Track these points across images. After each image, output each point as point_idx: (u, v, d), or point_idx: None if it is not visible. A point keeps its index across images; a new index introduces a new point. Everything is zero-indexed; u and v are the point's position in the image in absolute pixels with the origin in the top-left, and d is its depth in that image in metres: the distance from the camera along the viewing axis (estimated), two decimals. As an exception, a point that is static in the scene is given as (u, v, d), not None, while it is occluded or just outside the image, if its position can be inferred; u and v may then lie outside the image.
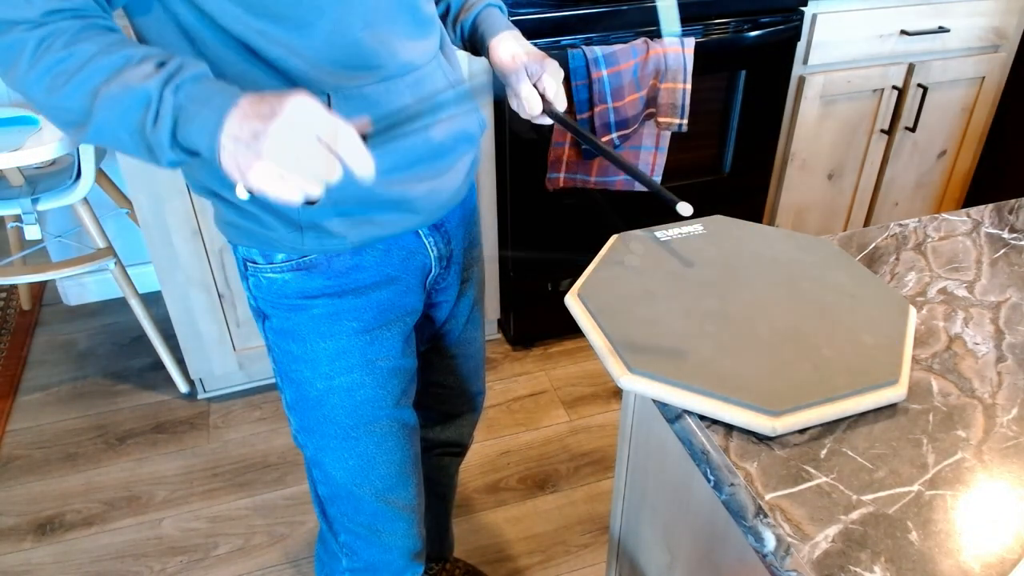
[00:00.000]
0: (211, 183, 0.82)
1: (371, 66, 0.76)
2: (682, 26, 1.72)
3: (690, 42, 1.68)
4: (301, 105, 0.59)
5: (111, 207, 2.16)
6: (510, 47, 0.89)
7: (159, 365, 2.07)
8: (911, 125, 2.09)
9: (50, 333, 2.22)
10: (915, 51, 1.99)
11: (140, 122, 0.63)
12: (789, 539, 0.55)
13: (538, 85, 0.89)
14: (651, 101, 1.72)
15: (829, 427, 0.65)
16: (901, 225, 0.95)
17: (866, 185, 2.19)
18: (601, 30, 1.67)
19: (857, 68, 1.96)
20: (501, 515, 1.66)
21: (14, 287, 2.39)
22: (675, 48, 1.67)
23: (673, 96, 1.71)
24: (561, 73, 0.89)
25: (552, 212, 1.87)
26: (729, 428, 0.65)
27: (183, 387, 1.98)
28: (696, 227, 0.89)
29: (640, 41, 1.66)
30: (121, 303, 2.33)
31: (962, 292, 0.83)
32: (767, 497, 0.59)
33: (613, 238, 0.87)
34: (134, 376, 2.05)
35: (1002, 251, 0.90)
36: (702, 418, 0.66)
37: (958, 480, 0.60)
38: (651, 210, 1.97)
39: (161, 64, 0.64)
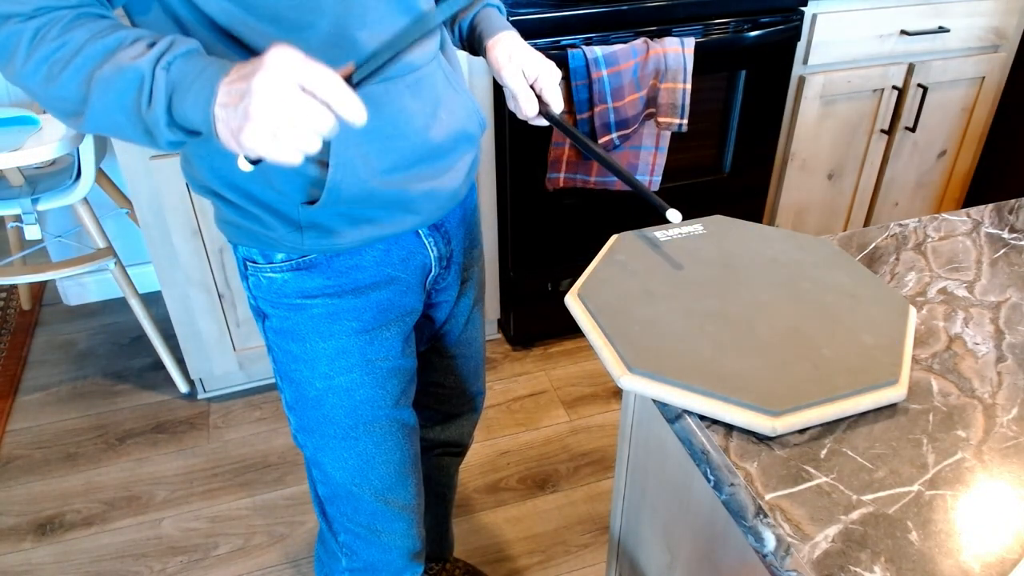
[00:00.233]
0: (211, 182, 0.81)
1: (371, 66, 0.76)
2: (682, 26, 1.72)
3: (690, 42, 1.68)
4: (280, 57, 0.58)
5: (111, 207, 2.16)
6: (507, 47, 0.89)
7: (159, 365, 2.07)
8: (911, 125, 2.09)
9: (50, 333, 2.22)
10: (915, 51, 1.99)
11: (135, 102, 0.63)
12: (789, 539, 0.55)
13: (535, 86, 0.89)
14: (651, 101, 1.72)
15: (829, 427, 0.65)
16: (901, 225, 0.95)
17: (866, 185, 2.19)
18: (601, 30, 1.67)
19: (857, 68, 1.96)
20: (501, 515, 1.66)
21: (14, 287, 2.39)
22: (675, 48, 1.67)
23: (673, 96, 1.71)
24: (558, 75, 0.89)
25: (552, 212, 1.87)
26: (729, 428, 0.65)
27: (183, 387, 1.98)
28: (696, 227, 0.89)
29: (640, 41, 1.66)
30: (121, 303, 2.33)
31: (962, 292, 0.83)
32: (767, 497, 0.58)
33: (613, 238, 0.87)
34: (134, 376, 2.05)
35: (1002, 251, 0.90)
36: (702, 418, 0.66)
37: (958, 480, 0.60)
38: (652, 210, 1.98)
39: (152, 43, 0.64)
